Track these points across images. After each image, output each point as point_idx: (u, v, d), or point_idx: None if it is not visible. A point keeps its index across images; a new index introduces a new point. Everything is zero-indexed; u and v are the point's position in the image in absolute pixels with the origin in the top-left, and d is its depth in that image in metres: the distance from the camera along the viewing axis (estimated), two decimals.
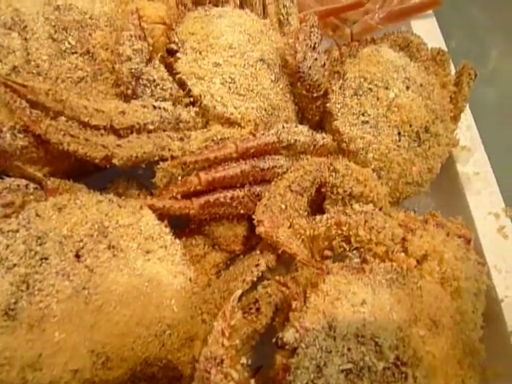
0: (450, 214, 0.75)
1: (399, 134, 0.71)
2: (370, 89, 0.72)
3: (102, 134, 0.58)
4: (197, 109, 0.67)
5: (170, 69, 0.69)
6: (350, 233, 0.61)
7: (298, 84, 0.73)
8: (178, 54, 0.68)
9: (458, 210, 0.82)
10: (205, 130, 0.67)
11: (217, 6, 0.80)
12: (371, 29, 1.08)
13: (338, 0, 1.08)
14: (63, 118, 0.58)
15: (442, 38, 1.12)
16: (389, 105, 0.71)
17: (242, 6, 0.82)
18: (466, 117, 0.92)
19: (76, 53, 0.65)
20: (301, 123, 0.76)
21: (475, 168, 0.86)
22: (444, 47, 1.08)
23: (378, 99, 0.71)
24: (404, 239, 0.63)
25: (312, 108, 0.75)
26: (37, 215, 0.51)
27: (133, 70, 0.64)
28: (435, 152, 0.75)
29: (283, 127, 0.65)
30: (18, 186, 0.55)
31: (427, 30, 1.12)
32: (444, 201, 0.85)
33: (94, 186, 0.65)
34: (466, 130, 0.91)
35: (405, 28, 1.13)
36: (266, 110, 0.70)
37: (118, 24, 0.70)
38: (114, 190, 0.65)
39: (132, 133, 0.60)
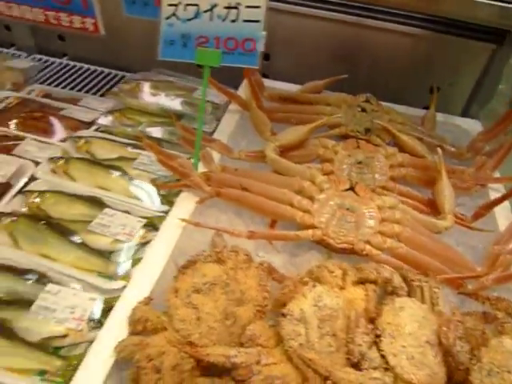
0: None
1: None
2: (498, 372, 1.17)
3: None
4: (392, 374, 1.18)
5: (375, 344, 1.22)
6: None
7: (449, 358, 1.21)
8: (381, 338, 1.21)
9: None
10: None
11: (396, 293, 1.35)
12: (485, 287, 1.56)
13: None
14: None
15: None
16: None
17: (409, 294, 1.36)
18: None
19: (328, 335, 1.20)
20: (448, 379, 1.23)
21: None
22: None
23: (503, 380, 1.16)
24: None
25: (457, 374, 1.22)
26: None
27: (361, 352, 1.17)
28: None
29: None
30: None
31: None
32: None
33: None
34: None
35: None
36: (430, 375, 1.19)
37: (345, 309, 1.26)
38: None
39: None
